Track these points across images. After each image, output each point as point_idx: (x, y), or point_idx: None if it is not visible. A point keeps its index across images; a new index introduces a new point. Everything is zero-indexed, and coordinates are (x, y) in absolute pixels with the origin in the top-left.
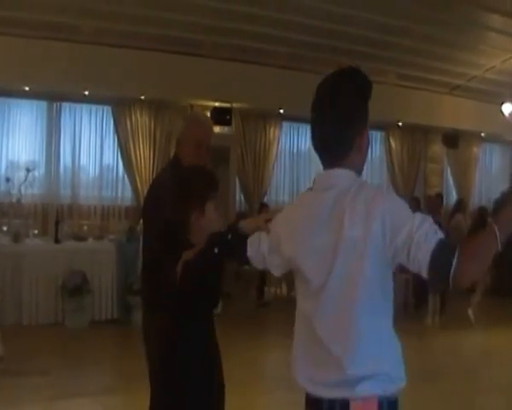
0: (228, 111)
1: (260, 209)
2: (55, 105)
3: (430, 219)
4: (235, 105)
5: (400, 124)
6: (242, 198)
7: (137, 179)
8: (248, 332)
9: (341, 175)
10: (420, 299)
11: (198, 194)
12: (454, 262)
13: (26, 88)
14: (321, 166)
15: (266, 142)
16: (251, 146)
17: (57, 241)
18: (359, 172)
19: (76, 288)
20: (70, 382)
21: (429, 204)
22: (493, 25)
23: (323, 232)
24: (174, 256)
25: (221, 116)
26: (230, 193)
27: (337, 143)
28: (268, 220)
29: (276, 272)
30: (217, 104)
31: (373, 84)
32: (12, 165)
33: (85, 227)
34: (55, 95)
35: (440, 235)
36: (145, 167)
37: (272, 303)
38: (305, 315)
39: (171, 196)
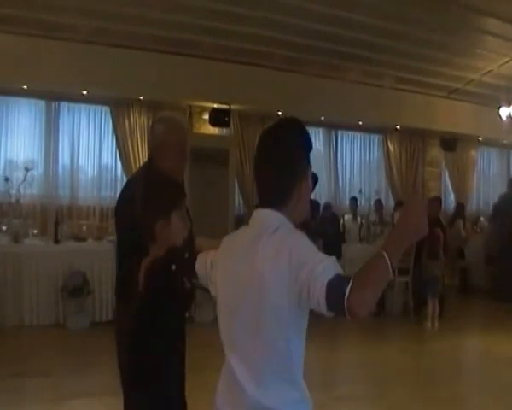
0: (226, 113)
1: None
2: (53, 104)
3: (332, 258)
4: (233, 107)
5: (398, 127)
6: (241, 201)
7: None
8: None
9: (266, 215)
10: (419, 302)
11: (165, 200)
12: (347, 293)
13: (25, 87)
14: (319, 171)
15: None
16: (249, 148)
17: (57, 241)
18: (298, 218)
19: (76, 289)
20: (72, 383)
21: (429, 207)
22: (490, 29)
23: (240, 264)
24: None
25: (219, 118)
26: (229, 195)
27: (276, 192)
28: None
29: (212, 291)
30: (215, 106)
31: (370, 87)
32: (10, 164)
33: (84, 228)
34: (53, 94)
35: (338, 270)
36: None
37: None
38: (223, 341)
39: (139, 201)
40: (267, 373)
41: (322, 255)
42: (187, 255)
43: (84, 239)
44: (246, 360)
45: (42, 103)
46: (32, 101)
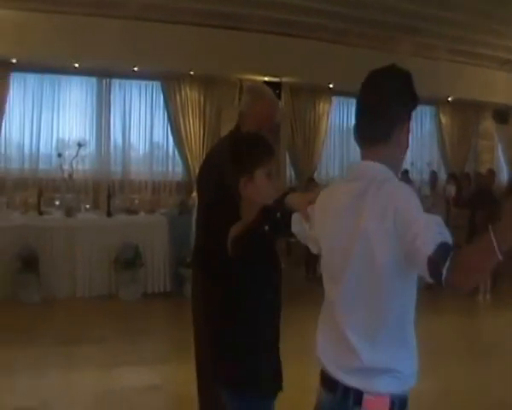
0: (277, 86)
1: (307, 185)
2: (104, 81)
3: (436, 220)
4: (284, 80)
5: (450, 99)
6: (293, 173)
7: (188, 154)
8: (298, 305)
9: (370, 167)
10: None
11: (247, 158)
12: (444, 272)
13: (76, 65)
14: None
15: (316, 117)
16: (301, 121)
17: (109, 215)
18: (395, 168)
19: (129, 261)
20: (124, 350)
21: (480, 181)
22: None
23: (345, 221)
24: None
25: None
26: (281, 168)
27: (375, 130)
28: (313, 200)
29: (313, 249)
30: (266, 79)
31: (422, 59)
32: (63, 141)
33: (136, 201)
34: (104, 71)
35: (442, 238)
36: (195, 143)
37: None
38: (327, 299)
39: (224, 161)
40: (380, 333)
41: (426, 218)
42: (279, 215)
43: (136, 212)
44: (358, 321)
45: (93, 80)
46: (84, 78)
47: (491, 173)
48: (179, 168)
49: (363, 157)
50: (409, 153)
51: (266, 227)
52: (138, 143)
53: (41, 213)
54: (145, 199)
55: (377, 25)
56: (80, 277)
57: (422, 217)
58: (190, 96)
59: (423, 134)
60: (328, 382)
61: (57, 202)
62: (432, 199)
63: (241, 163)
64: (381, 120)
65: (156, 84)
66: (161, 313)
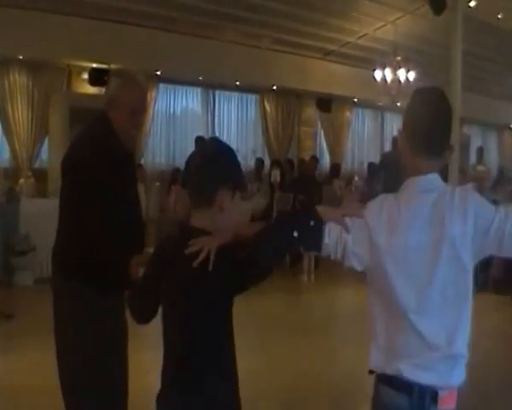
0: (105, 72)
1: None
2: None
3: None
4: (112, 66)
5: (275, 87)
6: None
7: (15, 141)
8: None
9: (438, 178)
10: (295, 257)
11: (236, 172)
12: None
13: None
14: (196, 131)
15: None
16: None
17: None
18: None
19: None
20: None
21: (303, 167)
22: None
23: (425, 230)
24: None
25: (98, 77)
26: None
27: (445, 142)
28: (347, 215)
29: (357, 264)
30: (94, 65)
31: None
32: None
33: None
34: None
35: None
36: (23, 129)
37: None
38: (398, 309)
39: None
40: (459, 329)
41: (502, 211)
42: (312, 223)
43: None
44: (439, 323)
45: None
46: None
47: (314, 160)
48: (6, 154)
49: (429, 168)
50: (234, 139)
51: (295, 233)
52: None
53: None
54: None
55: (205, 13)
56: None
57: (498, 210)
58: (19, 81)
59: (248, 121)
60: (401, 384)
61: None
62: (256, 184)
63: (231, 177)
64: (449, 133)
65: None
66: None
